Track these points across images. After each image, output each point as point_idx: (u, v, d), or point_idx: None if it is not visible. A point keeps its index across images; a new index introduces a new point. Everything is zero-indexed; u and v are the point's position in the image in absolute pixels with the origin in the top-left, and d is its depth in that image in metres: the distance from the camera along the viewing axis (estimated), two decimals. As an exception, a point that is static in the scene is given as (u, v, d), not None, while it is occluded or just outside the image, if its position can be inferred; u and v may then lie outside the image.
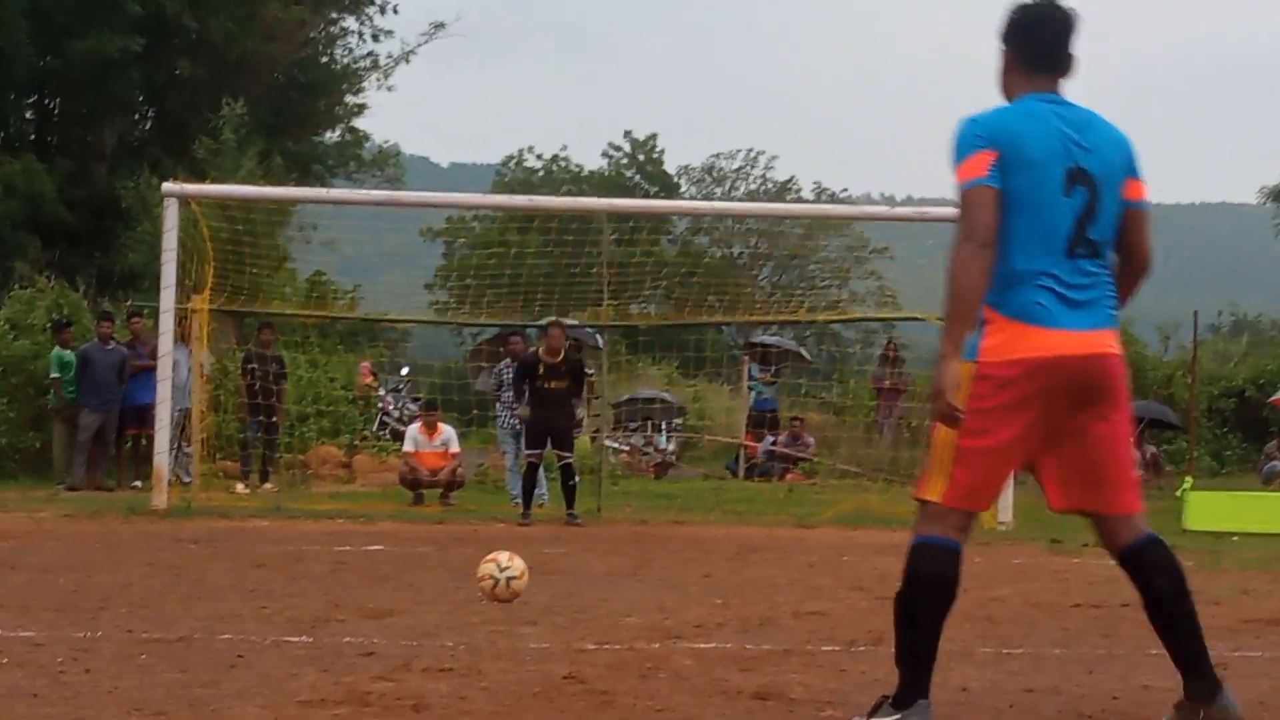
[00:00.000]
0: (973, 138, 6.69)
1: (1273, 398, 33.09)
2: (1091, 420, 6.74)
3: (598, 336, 27.44)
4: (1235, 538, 19.28)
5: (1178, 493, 22.27)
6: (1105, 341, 6.75)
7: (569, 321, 25.84)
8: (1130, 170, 6.90)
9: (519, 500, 21.31)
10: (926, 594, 6.74)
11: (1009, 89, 6.99)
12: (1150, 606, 6.90)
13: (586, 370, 22.19)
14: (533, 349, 21.66)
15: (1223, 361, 42.67)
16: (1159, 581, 6.84)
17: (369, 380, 31.59)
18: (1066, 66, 6.96)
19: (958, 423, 6.56)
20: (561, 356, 20.80)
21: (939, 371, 6.62)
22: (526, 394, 20.91)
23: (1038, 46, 6.92)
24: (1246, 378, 37.79)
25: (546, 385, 20.73)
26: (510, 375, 22.48)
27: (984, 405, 6.61)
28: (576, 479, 20.73)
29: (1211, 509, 21.40)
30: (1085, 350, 6.66)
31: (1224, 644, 9.84)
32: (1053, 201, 6.65)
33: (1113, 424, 6.80)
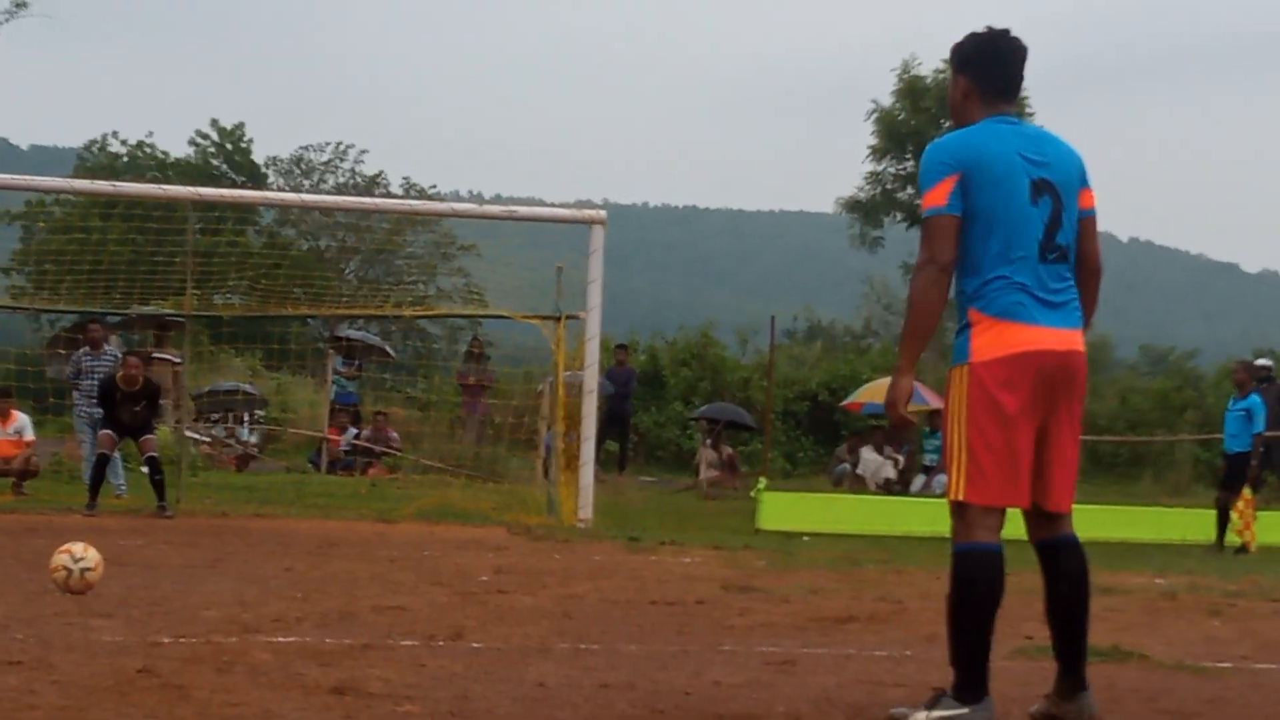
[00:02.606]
0: (936, 165, 7.11)
1: (846, 401, 34.06)
2: (1059, 415, 7.10)
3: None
4: (806, 538, 19.78)
5: (752, 493, 22.77)
6: (1078, 341, 7.17)
7: (162, 355, 25.69)
8: (1083, 180, 7.35)
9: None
10: (967, 600, 7.00)
11: (967, 114, 7.37)
12: (1050, 602, 7.27)
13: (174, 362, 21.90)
14: (112, 373, 21.31)
15: (798, 366, 43.98)
16: (1064, 585, 7.22)
17: (-61, 366, 30.61)
18: (1018, 91, 7.47)
19: (910, 428, 6.79)
20: (140, 385, 20.74)
21: (894, 384, 7.10)
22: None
23: (998, 76, 7.36)
24: (820, 382, 38.96)
25: (125, 409, 20.75)
26: (88, 362, 22.52)
27: (984, 400, 6.97)
28: (163, 473, 20.46)
29: (784, 509, 21.96)
30: (1063, 346, 7.06)
31: (792, 641, 10.13)
32: (1023, 211, 7.06)
33: (1074, 422, 7.20)
